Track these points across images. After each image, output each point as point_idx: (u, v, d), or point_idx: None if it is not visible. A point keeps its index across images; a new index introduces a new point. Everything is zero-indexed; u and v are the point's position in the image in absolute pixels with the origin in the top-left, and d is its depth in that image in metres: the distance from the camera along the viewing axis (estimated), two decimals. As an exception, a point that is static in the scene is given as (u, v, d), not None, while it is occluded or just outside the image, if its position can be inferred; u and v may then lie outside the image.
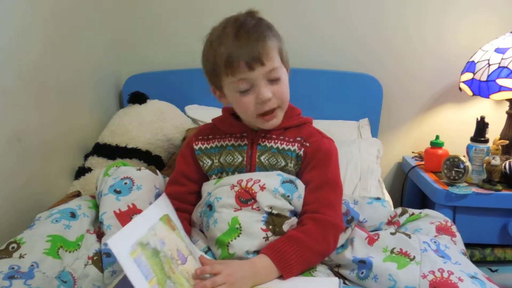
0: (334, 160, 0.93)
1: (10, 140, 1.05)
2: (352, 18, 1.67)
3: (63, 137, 1.30)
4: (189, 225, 0.95)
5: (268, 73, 0.86)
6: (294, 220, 0.87)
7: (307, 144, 0.92)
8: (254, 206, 0.85)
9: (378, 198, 1.02)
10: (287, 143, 0.93)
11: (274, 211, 0.85)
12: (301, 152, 0.92)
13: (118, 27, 1.68)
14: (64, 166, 1.32)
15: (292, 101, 1.80)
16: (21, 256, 0.80)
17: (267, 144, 0.93)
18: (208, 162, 0.96)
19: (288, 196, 0.86)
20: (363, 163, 1.35)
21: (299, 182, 0.90)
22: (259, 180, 0.87)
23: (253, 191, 0.86)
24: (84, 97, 1.44)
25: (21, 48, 1.09)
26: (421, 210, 1.02)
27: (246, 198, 0.86)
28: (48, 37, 1.21)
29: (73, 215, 0.94)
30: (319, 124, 1.57)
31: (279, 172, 0.91)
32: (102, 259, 0.87)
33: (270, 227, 0.83)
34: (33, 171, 1.15)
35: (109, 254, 0.87)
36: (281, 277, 0.79)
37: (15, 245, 0.82)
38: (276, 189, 0.85)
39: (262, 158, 0.93)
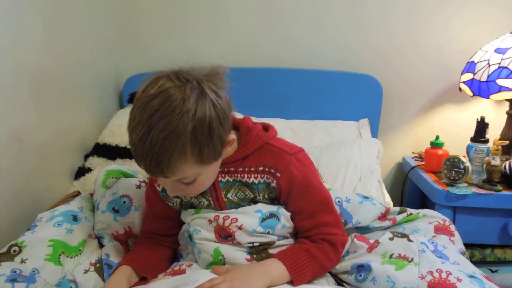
0: (312, 174, 0.85)
1: (10, 140, 1.05)
2: (352, 19, 1.67)
3: (63, 137, 1.30)
4: (168, 264, 0.91)
5: (176, 180, 0.75)
6: (280, 242, 0.84)
7: (278, 175, 0.81)
8: (235, 242, 0.82)
9: (366, 197, 0.99)
10: (249, 175, 0.83)
11: (256, 244, 0.83)
12: (274, 184, 0.82)
13: (118, 27, 1.68)
14: (64, 166, 1.32)
15: (293, 101, 1.80)
16: (22, 261, 0.80)
17: (229, 179, 0.84)
18: (177, 201, 0.90)
19: (269, 232, 0.82)
20: (363, 164, 1.35)
21: (282, 211, 0.84)
22: (236, 220, 0.81)
23: (231, 230, 0.81)
24: (84, 97, 1.44)
25: (20, 48, 1.09)
26: (419, 210, 1.01)
27: (225, 234, 0.82)
28: (47, 37, 1.20)
29: (75, 218, 0.94)
30: (319, 124, 1.60)
31: (258, 207, 0.84)
32: (103, 269, 0.87)
33: (255, 256, 0.82)
34: (33, 171, 1.15)
35: (110, 265, 0.87)
36: (290, 283, 0.78)
37: (16, 248, 0.82)
38: (254, 229, 0.81)
39: (229, 195, 0.84)
